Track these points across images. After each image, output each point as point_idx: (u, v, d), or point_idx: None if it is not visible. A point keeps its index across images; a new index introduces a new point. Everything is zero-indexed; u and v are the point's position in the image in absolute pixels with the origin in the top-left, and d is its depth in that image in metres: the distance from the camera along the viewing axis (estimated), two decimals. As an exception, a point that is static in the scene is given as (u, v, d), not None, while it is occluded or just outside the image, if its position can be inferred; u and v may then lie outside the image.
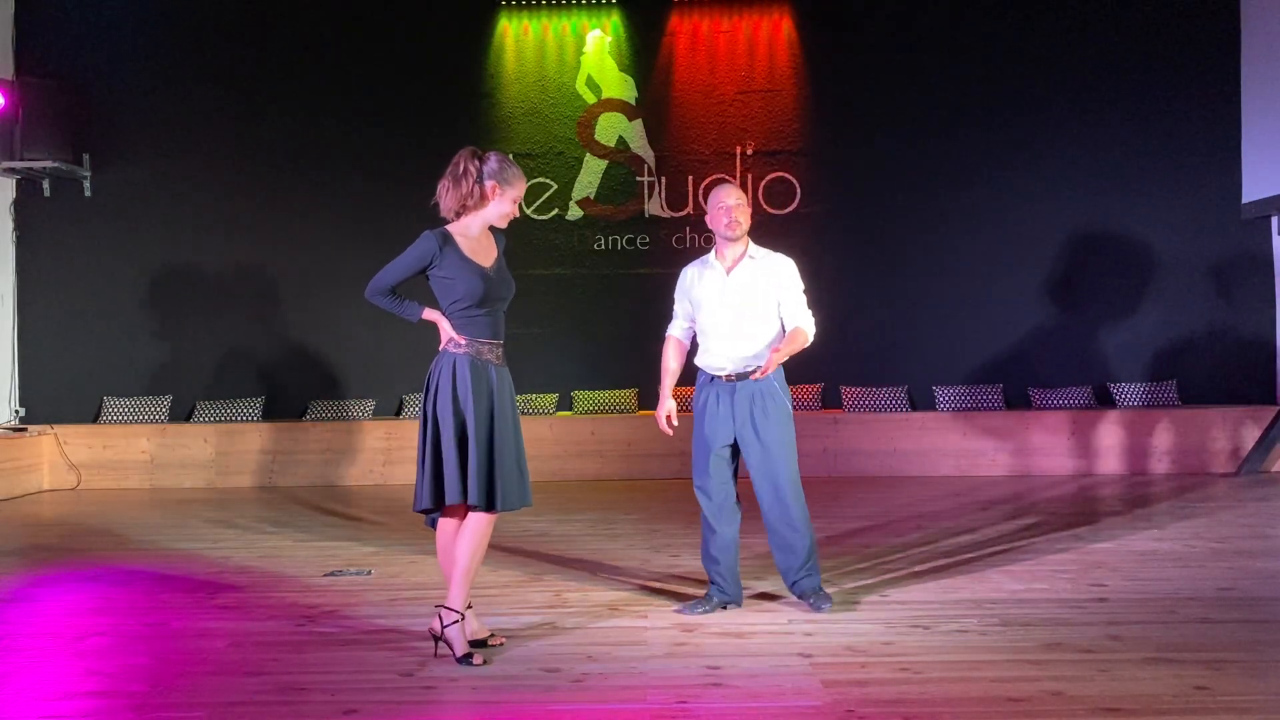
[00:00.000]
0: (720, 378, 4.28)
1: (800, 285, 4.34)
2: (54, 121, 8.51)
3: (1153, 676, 3.42)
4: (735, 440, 4.28)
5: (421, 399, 3.77)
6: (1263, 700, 3.21)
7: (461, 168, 3.73)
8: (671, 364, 4.49)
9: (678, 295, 4.49)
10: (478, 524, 3.68)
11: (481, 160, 3.75)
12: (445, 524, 3.78)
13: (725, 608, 4.33)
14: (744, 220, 4.29)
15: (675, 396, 4.44)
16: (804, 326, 4.28)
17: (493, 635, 3.87)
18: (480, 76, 9.24)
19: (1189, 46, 9.00)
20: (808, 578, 4.33)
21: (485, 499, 3.64)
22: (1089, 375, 8.97)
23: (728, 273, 4.31)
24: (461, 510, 3.73)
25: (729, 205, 4.27)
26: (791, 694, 3.33)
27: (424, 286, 3.80)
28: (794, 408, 4.38)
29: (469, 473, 3.62)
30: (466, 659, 3.63)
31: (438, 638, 3.72)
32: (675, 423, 4.38)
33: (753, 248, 4.36)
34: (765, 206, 9.13)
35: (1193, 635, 3.90)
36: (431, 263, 3.69)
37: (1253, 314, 8.94)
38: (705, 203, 4.44)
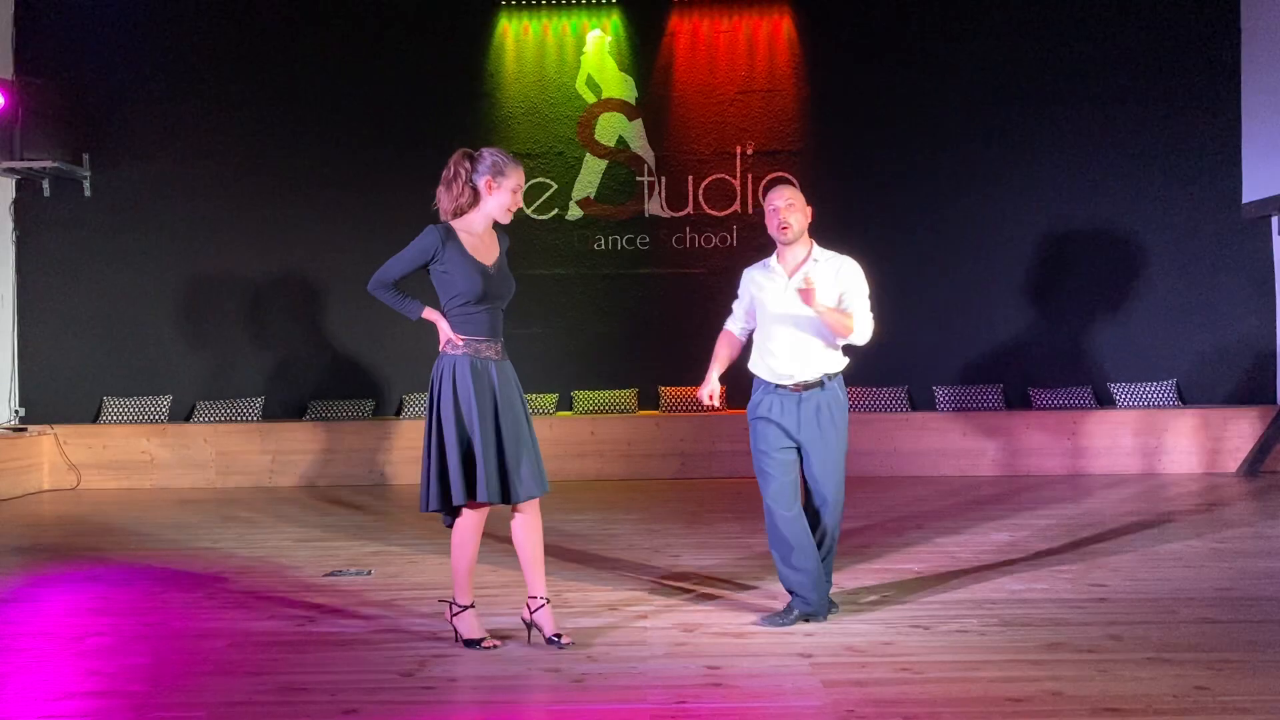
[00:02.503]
0: (787, 387, 4.04)
1: (865, 288, 4.10)
2: (54, 121, 8.50)
3: (1153, 676, 3.42)
4: (798, 445, 4.05)
5: (426, 401, 3.82)
6: (1263, 700, 3.21)
7: (452, 171, 3.81)
8: (722, 353, 4.26)
9: (740, 295, 4.27)
10: (529, 520, 3.84)
11: (473, 160, 3.80)
12: (459, 524, 3.82)
13: (808, 620, 4.08)
14: (795, 222, 4.01)
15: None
16: (860, 324, 4.03)
17: (485, 638, 3.85)
18: (480, 76, 9.24)
19: (1189, 47, 9.00)
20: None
21: (501, 495, 3.72)
22: (1089, 375, 8.97)
23: (789, 277, 4.07)
24: (474, 510, 3.78)
25: (777, 206, 4.01)
26: (791, 694, 3.33)
27: (429, 287, 3.81)
28: None
29: (477, 473, 3.67)
30: (556, 639, 3.80)
31: (529, 624, 3.85)
32: (716, 403, 4.18)
33: (817, 250, 4.11)
34: (765, 206, 9.13)
35: (1193, 635, 3.90)
36: (433, 257, 3.74)
37: (1253, 314, 8.93)
38: (763, 201, 4.23)
